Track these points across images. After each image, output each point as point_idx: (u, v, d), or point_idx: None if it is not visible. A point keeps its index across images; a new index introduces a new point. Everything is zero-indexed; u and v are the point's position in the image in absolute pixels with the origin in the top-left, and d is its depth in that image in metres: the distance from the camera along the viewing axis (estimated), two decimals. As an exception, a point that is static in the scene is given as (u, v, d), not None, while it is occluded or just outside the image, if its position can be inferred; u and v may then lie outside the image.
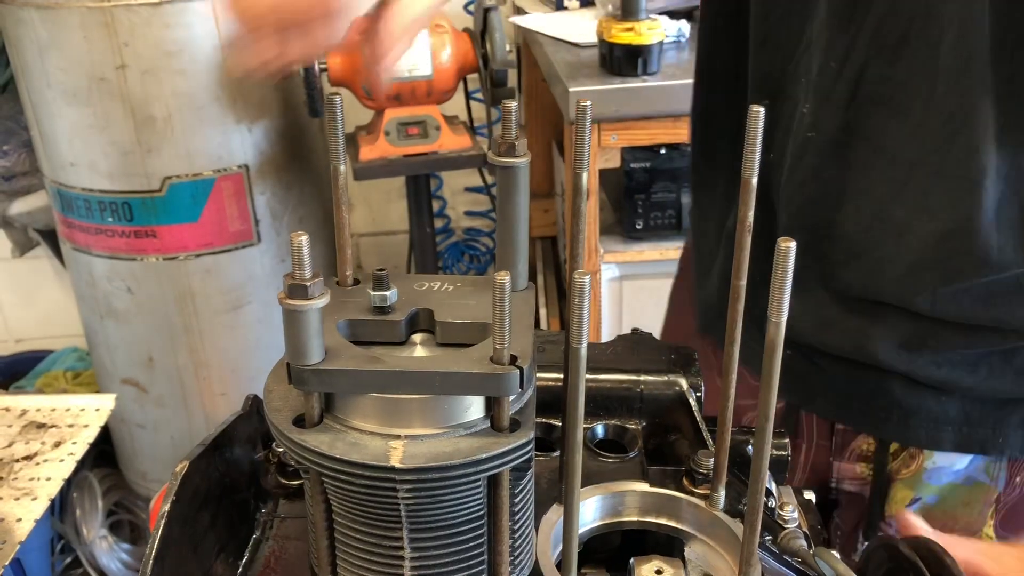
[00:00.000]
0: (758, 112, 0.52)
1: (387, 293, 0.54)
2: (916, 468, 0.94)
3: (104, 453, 2.43)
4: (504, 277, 0.45)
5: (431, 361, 0.51)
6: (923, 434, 0.91)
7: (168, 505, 0.55)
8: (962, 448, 0.91)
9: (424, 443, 0.48)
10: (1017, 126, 0.80)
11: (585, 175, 0.54)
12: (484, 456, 0.48)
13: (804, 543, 0.61)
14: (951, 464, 0.93)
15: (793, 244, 0.45)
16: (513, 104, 0.54)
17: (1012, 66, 0.78)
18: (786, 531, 0.62)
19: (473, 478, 0.48)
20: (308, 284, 0.47)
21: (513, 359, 0.48)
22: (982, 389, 0.88)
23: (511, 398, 0.49)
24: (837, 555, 0.58)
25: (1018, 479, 0.93)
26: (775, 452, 0.72)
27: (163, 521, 0.54)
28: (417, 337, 0.54)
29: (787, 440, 0.75)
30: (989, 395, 0.89)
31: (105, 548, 2.31)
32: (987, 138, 0.80)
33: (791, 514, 0.63)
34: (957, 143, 0.81)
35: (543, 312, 2.56)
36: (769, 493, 0.68)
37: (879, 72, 0.83)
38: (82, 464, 2.01)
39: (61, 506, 2.23)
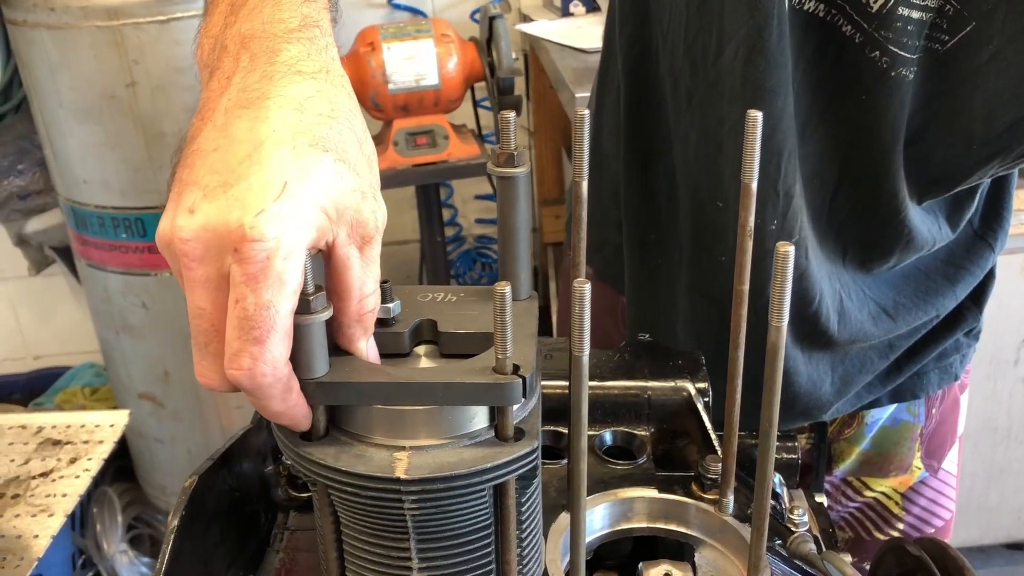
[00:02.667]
0: (756, 117, 0.52)
1: (390, 305, 0.54)
2: (857, 426, 1.05)
3: (123, 468, 2.44)
4: (504, 287, 0.45)
5: (434, 372, 0.52)
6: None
7: (177, 519, 0.55)
8: (896, 399, 1.03)
9: (429, 454, 0.49)
10: None
11: (585, 183, 0.54)
12: (489, 466, 0.48)
13: (814, 547, 0.60)
14: (882, 412, 1.05)
15: (791, 248, 0.46)
16: (512, 115, 0.54)
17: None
18: (796, 535, 0.61)
19: (478, 488, 0.49)
20: (311, 298, 0.47)
21: (516, 368, 0.48)
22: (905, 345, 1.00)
23: (515, 407, 0.49)
24: (847, 559, 0.58)
25: (934, 411, 1.07)
26: (784, 456, 0.72)
27: (173, 535, 0.55)
28: (421, 348, 0.54)
29: (797, 443, 0.75)
30: (909, 348, 1.01)
31: (126, 562, 2.32)
32: None
33: (801, 518, 0.63)
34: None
35: (554, 319, 2.56)
36: (778, 497, 0.68)
37: None
38: (101, 479, 2.02)
39: (82, 521, 2.24)
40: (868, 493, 1.09)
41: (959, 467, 1.12)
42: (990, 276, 1.02)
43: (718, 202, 0.87)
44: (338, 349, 0.51)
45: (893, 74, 0.79)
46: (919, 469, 1.08)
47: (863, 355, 0.97)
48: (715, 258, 0.89)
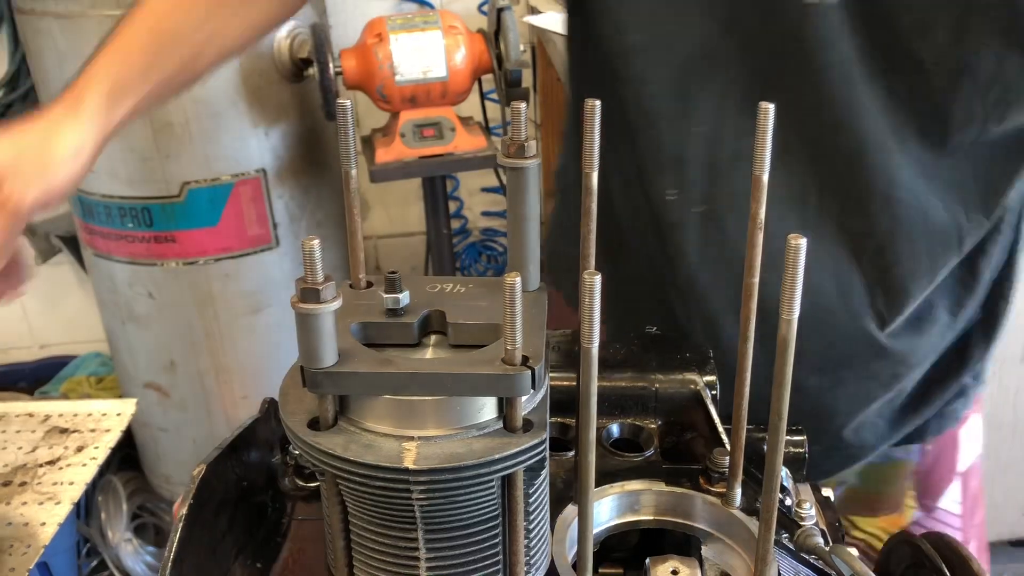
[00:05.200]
0: (768, 108, 0.52)
1: (399, 295, 0.54)
2: None
3: (128, 457, 2.45)
4: (514, 278, 0.45)
5: (443, 363, 0.52)
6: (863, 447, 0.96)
7: (186, 508, 0.55)
8: (897, 444, 0.97)
9: (437, 444, 0.49)
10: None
11: (594, 175, 0.54)
12: (497, 456, 0.48)
13: (821, 540, 0.60)
14: None
15: (804, 241, 0.45)
16: (522, 105, 0.54)
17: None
18: (803, 528, 0.61)
19: (487, 478, 0.49)
20: (320, 288, 0.47)
21: (525, 360, 0.48)
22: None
23: (524, 398, 0.49)
24: (855, 552, 0.58)
25: (929, 447, 1.00)
26: (792, 449, 0.71)
27: (181, 524, 0.55)
28: (430, 339, 0.54)
29: (804, 437, 0.74)
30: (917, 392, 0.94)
31: (130, 551, 2.33)
32: None
33: (808, 511, 0.63)
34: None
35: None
36: (786, 491, 0.68)
37: None
38: (106, 468, 2.03)
39: (87, 510, 2.25)
40: (856, 534, 1.02)
41: (964, 504, 1.04)
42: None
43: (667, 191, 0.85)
44: (345, 341, 0.51)
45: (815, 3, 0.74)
46: (911, 508, 1.02)
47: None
48: (673, 247, 0.87)
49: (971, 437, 1.04)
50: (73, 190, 0.83)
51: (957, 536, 0.99)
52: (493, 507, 0.51)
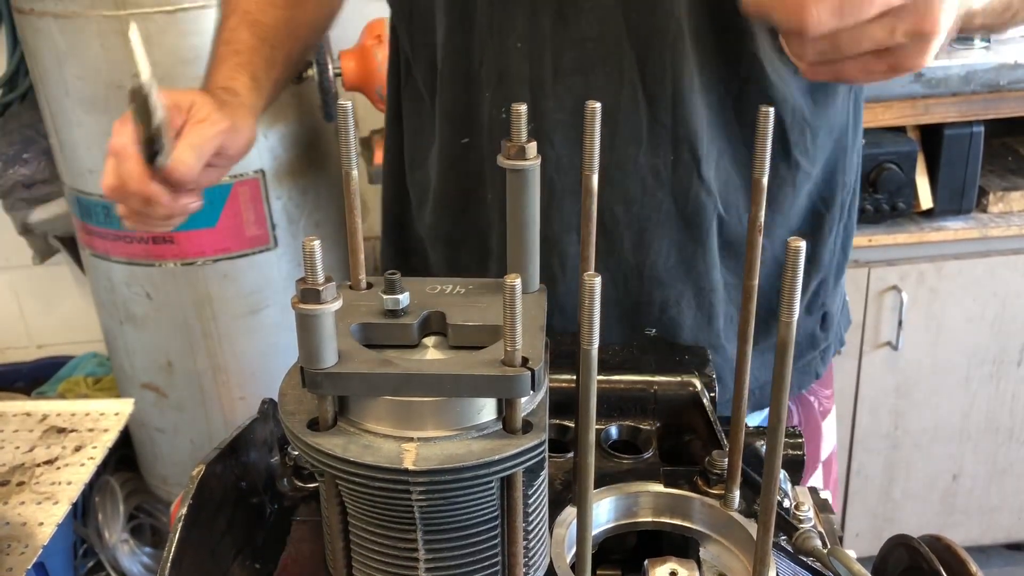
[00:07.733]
0: (767, 112, 0.52)
1: (399, 296, 0.54)
2: None
3: (125, 457, 2.45)
4: (515, 279, 0.45)
5: (443, 364, 0.52)
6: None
7: (185, 508, 0.55)
8: (759, 407, 1.00)
9: (437, 445, 0.49)
10: None
11: (595, 177, 0.54)
12: (496, 458, 0.48)
13: (819, 543, 0.60)
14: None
15: (803, 243, 0.45)
16: (523, 107, 0.54)
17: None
18: (801, 531, 0.61)
19: (486, 479, 0.49)
20: (320, 288, 0.47)
21: (524, 361, 0.48)
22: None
23: (523, 400, 0.49)
24: (852, 555, 0.58)
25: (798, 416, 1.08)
26: (790, 452, 0.72)
27: (180, 524, 0.55)
28: (429, 340, 0.55)
29: (802, 440, 0.74)
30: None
31: (127, 551, 2.32)
32: None
33: (806, 514, 0.63)
34: None
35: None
36: (784, 493, 0.68)
37: None
38: (103, 468, 2.02)
39: (83, 510, 2.25)
40: None
41: (826, 488, 1.11)
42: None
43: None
44: (345, 342, 0.51)
45: None
46: None
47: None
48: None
49: (830, 429, 1.12)
50: (245, 153, 0.99)
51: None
52: (492, 508, 0.51)
